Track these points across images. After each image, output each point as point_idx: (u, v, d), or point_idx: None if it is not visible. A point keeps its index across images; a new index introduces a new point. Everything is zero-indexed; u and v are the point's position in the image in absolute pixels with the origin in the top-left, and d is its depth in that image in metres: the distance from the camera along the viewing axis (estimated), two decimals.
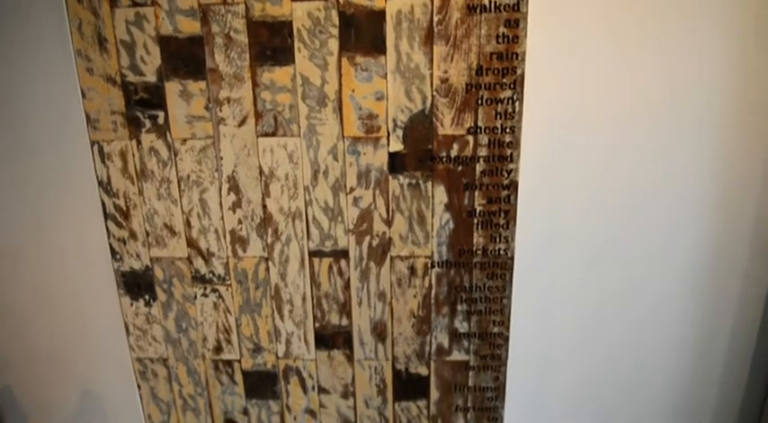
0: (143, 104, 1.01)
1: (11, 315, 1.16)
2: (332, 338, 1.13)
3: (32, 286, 1.14)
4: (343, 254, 1.07)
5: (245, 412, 1.20)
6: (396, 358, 1.14)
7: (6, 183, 1.08)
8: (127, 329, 1.15)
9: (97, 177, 1.05)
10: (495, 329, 1.12)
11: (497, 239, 1.06)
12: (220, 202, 1.05)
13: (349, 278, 1.09)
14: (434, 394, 1.17)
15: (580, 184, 1.02)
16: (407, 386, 1.16)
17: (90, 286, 1.12)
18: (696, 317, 1.09)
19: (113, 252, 1.10)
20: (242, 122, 1.00)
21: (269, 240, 1.07)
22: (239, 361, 1.16)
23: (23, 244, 1.12)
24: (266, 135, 1.01)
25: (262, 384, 1.17)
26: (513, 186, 1.02)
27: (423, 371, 1.15)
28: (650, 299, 1.09)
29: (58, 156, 1.06)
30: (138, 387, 1.20)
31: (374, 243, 1.06)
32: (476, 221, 1.05)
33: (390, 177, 1.03)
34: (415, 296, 1.10)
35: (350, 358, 1.14)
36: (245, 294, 1.10)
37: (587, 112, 0.97)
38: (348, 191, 1.03)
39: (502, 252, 1.06)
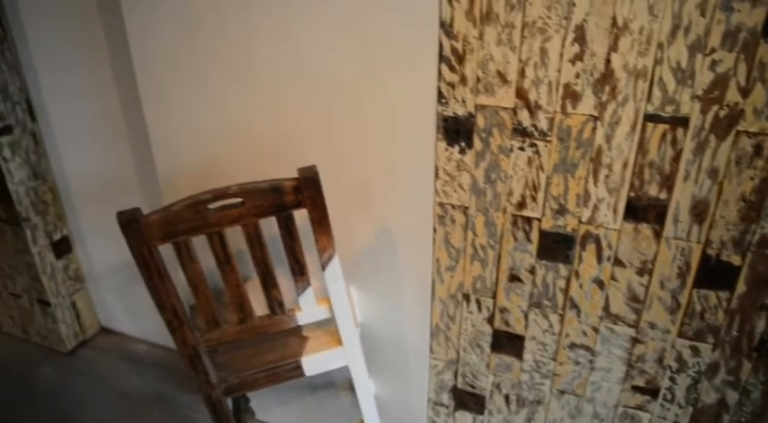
0: None
1: (332, 144, 1.37)
2: (644, 211, 1.19)
3: (353, 118, 1.32)
4: (683, 122, 1.10)
5: (532, 271, 1.33)
6: (709, 242, 1.18)
7: (343, 18, 1.24)
8: (436, 173, 1.31)
9: (440, 18, 1.16)
10: None
11: None
12: (561, 52, 1.11)
13: (682, 149, 1.12)
14: (741, 287, 1.20)
15: None
16: (713, 274, 1.20)
17: (408, 126, 1.28)
18: None
19: (440, 95, 1.23)
20: None
21: (603, 99, 1.12)
22: (539, 220, 1.27)
23: (350, 77, 1.28)
24: None
25: (556, 247, 1.28)
26: None
27: (735, 260, 1.18)
28: None
29: None
30: (434, 230, 1.37)
31: (721, 114, 1.07)
32: None
33: (762, 41, 1.01)
34: (752, 178, 1.10)
35: (658, 234, 1.20)
36: (564, 153, 1.19)
37: None
38: (708, 52, 1.04)
39: None
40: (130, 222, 1.11)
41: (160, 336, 2.16)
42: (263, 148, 1.46)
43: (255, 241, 1.21)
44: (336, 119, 1.35)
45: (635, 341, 1.33)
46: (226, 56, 1.39)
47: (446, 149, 1.28)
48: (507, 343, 1.46)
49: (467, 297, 1.44)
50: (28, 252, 2.02)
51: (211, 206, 1.16)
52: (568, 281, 1.32)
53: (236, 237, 1.23)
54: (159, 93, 1.51)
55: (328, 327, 1.42)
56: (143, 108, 1.54)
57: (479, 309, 1.44)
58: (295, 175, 1.20)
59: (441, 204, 1.34)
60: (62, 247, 2.12)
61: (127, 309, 2.22)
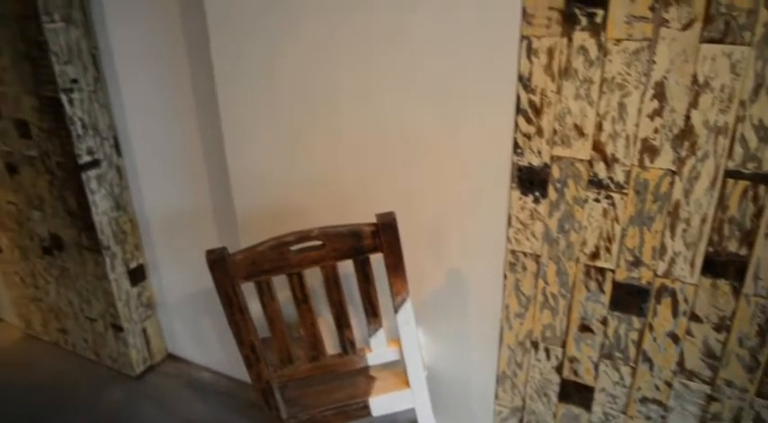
0: (584, 1, 1.11)
1: (407, 189, 1.42)
2: (723, 266, 1.19)
3: (429, 165, 1.37)
4: (765, 179, 1.10)
5: (604, 322, 1.34)
6: None
7: (424, 70, 1.30)
8: (509, 221, 1.34)
9: (519, 72, 1.21)
10: None
11: None
12: (640, 108, 1.14)
13: (763, 206, 1.12)
14: None
15: None
16: None
17: (483, 175, 1.32)
18: None
19: (516, 146, 1.27)
20: (687, 26, 1.06)
21: (682, 154, 1.14)
22: (613, 271, 1.28)
23: (427, 126, 1.34)
24: (711, 41, 1.05)
25: (630, 298, 1.29)
26: None
27: None
28: None
29: (481, 48, 1.23)
30: (505, 277, 1.40)
31: None
32: None
33: None
34: None
35: (737, 291, 1.19)
36: (640, 206, 1.20)
37: None
38: None
39: None
40: (218, 261, 1.19)
41: (225, 365, 2.24)
42: (339, 192, 1.53)
43: (332, 283, 1.27)
44: (412, 165, 1.40)
45: (710, 399, 1.31)
46: (308, 103, 1.47)
47: (520, 198, 1.31)
48: (575, 393, 1.46)
49: (535, 345, 1.45)
50: (106, 278, 2.13)
51: (293, 248, 1.23)
52: (642, 333, 1.32)
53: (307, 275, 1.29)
54: (241, 135, 1.60)
55: (395, 368, 1.46)
56: (225, 149, 1.64)
57: (548, 357, 1.45)
58: (370, 219, 1.26)
59: (512, 252, 1.37)
60: (137, 275, 2.23)
61: (193, 337, 2.31)
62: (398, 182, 1.44)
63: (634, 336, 1.33)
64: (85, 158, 1.94)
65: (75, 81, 1.87)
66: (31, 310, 2.50)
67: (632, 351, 1.34)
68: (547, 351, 1.44)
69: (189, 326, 2.29)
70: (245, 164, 1.64)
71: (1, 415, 2.16)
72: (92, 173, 1.98)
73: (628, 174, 1.20)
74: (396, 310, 1.30)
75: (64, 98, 1.85)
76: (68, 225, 2.10)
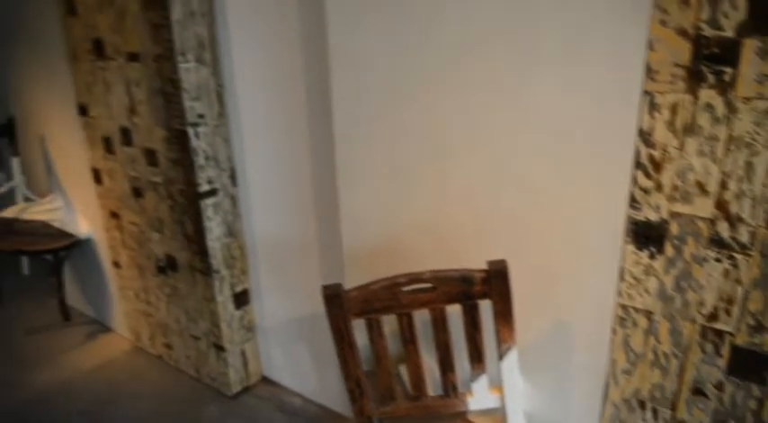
0: (712, 59, 1.11)
1: (517, 237, 1.44)
2: None
3: (540, 215, 1.39)
4: None
5: (719, 387, 1.29)
6: None
7: (540, 121, 1.32)
8: (621, 275, 1.33)
9: (639, 127, 1.21)
10: None
11: None
12: None
13: None
14: None
15: None
16: None
17: (597, 226, 1.33)
18: None
19: (633, 200, 1.26)
20: None
21: None
22: (733, 334, 1.24)
23: (541, 177, 1.36)
24: None
25: (750, 365, 1.24)
26: None
27: None
28: None
29: (602, 101, 1.25)
30: (613, 331, 1.38)
31: None
32: None
33: None
34: None
35: None
36: (765, 269, 1.16)
37: None
38: None
39: None
40: (334, 296, 1.25)
41: (317, 393, 2.31)
42: (446, 236, 1.57)
43: (440, 325, 1.30)
44: (523, 212, 1.43)
45: None
46: (421, 147, 1.53)
47: (634, 253, 1.30)
48: None
49: (642, 404, 1.41)
50: (213, 300, 2.27)
51: (405, 288, 1.27)
52: (761, 403, 1.26)
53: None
54: (354, 175, 1.69)
55: (494, 414, 1.46)
56: (337, 187, 1.73)
57: (655, 418, 1.41)
58: (476, 265, 1.29)
59: (623, 306, 1.36)
60: (242, 299, 2.36)
61: (288, 362, 2.40)
62: (508, 229, 1.46)
63: (753, 404, 1.27)
64: (205, 187, 2.10)
65: (201, 116, 2.03)
66: (141, 325, 2.69)
67: (750, 421, 1.29)
68: (654, 411, 1.40)
69: (285, 351, 2.39)
70: (355, 202, 1.71)
71: (106, 419, 2.33)
72: (209, 201, 2.13)
73: (753, 234, 1.17)
74: (500, 358, 1.31)
75: (191, 131, 2.01)
76: (184, 248, 2.26)
